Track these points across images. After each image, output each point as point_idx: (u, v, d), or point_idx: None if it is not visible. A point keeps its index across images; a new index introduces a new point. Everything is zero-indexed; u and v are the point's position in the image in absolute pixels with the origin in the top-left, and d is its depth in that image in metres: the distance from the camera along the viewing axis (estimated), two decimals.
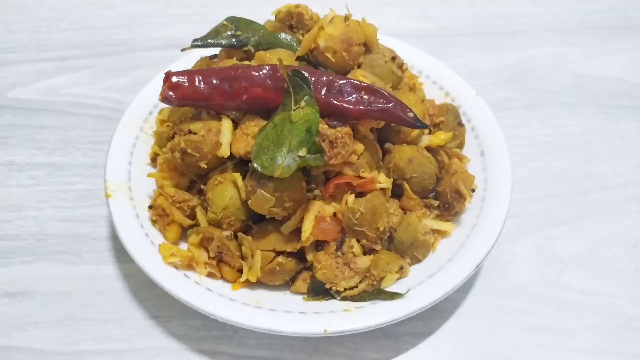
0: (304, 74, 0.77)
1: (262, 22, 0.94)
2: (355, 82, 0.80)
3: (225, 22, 0.92)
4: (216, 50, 0.95)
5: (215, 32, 0.91)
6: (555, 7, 1.39)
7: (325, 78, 0.80)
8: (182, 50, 0.92)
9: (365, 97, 0.80)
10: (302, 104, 0.76)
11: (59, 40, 1.24)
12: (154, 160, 0.93)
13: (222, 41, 0.90)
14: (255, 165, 0.75)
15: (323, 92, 0.79)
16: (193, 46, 0.90)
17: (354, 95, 0.79)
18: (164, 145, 0.91)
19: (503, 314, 0.86)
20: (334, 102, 0.79)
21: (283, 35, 0.91)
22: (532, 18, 1.37)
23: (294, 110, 0.77)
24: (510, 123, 1.12)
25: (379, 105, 0.79)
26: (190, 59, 1.00)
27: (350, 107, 0.79)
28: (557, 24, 1.35)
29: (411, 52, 1.07)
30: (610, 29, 1.34)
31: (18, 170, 1.01)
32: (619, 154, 1.09)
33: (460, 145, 0.96)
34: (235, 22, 0.92)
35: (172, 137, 0.85)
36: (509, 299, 0.88)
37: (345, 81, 0.80)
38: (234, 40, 0.91)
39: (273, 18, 0.96)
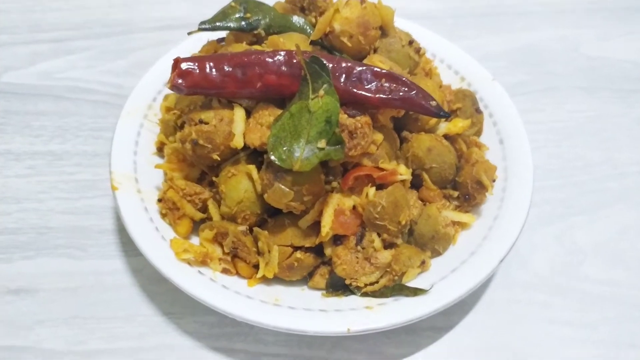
0: (322, 61, 0.73)
1: (270, 4, 0.89)
2: (375, 69, 0.76)
3: (233, 4, 0.88)
4: (223, 33, 0.90)
5: (223, 15, 0.86)
6: None
7: (344, 65, 0.76)
8: (189, 33, 0.87)
9: (386, 85, 0.76)
10: (321, 92, 0.72)
11: (53, 21, 1.18)
12: (160, 149, 0.88)
13: (230, 24, 0.86)
14: (272, 157, 0.71)
15: (342, 80, 0.75)
16: (200, 29, 0.85)
17: (374, 83, 0.76)
18: (170, 134, 0.87)
19: (524, 307, 0.84)
20: (354, 90, 0.75)
21: (295, 18, 0.87)
22: None
23: (312, 99, 0.73)
24: (524, 108, 1.09)
25: (401, 94, 0.76)
26: (194, 42, 0.95)
27: (370, 95, 0.75)
28: (568, 4, 1.31)
29: (425, 35, 1.03)
30: (622, 11, 1.30)
31: (15, 160, 0.96)
32: (635, 140, 1.07)
33: (478, 133, 0.93)
34: (244, 4, 0.88)
35: (180, 127, 0.81)
36: (529, 292, 0.86)
37: (364, 68, 0.76)
38: (243, 23, 0.86)
39: None
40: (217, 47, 0.89)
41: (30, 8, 1.20)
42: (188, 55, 0.95)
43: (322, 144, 0.71)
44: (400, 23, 0.94)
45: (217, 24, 0.86)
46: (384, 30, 0.87)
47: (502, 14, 1.28)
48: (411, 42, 0.88)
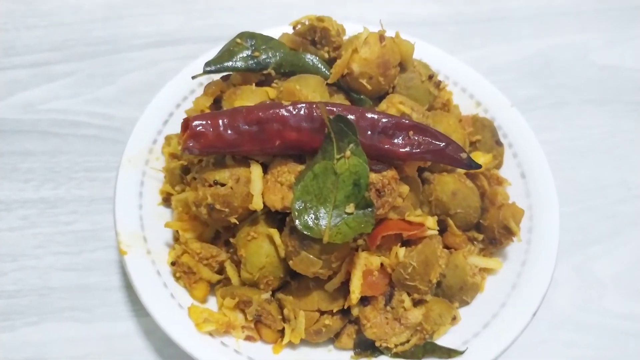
0: (348, 119, 0.67)
1: (276, 36, 0.83)
2: (402, 120, 0.71)
3: (238, 40, 0.81)
4: None
5: (230, 54, 0.80)
6: None
7: (369, 116, 0.71)
8: (193, 77, 0.80)
9: (414, 137, 0.71)
10: (348, 153, 0.67)
11: (28, 41, 1.08)
12: (166, 200, 0.82)
13: (238, 64, 0.79)
14: (298, 225, 0.66)
15: (367, 134, 0.70)
16: (205, 72, 0.78)
17: (402, 136, 0.71)
18: (176, 183, 0.82)
19: (548, 345, 0.84)
20: (381, 145, 0.70)
21: (308, 56, 0.80)
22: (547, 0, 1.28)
23: (338, 159, 0.68)
24: (535, 125, 1.04)
25: (430, 147, 0.71)
26: (193, 70, 0.87)
27: (399, 150, 0.70)
28: (573, 7, 1.27)
29: (436, 54, 0.97)
30: (629, 10, 1.26)
31: (5, 210, 0.89)
32: None
33: (498, 166, 0.89)
34: (251, 40, 0.81)
35: (188, 179, 0.76)
36: (553, 330, 0.85)
37: (390, 119, 0.71)
38: (251, 62, 0.80)
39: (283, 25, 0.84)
40: (223, 87, 0.82)
41: (1, 26, 1.09)
42: (187, 89, 0.90)
43: (350, 208, 0.67)
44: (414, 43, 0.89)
45: (225, 64, 0.79)
46: (403, 65, 0.82)
47: (507, 19, 1.23)
48: (431, 77, 0.83)
